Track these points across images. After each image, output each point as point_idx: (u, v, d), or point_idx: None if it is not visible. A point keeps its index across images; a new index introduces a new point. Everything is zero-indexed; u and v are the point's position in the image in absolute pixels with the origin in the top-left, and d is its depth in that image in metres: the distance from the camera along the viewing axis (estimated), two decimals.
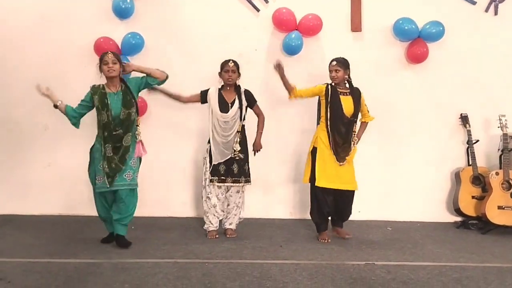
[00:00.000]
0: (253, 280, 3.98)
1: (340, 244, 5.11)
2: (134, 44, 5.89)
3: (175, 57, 5.99)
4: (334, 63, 5.17)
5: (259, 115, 5.33)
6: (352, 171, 5.20)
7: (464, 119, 6.14)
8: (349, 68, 5.21)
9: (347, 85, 5.22)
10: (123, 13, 5.92)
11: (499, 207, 5.70)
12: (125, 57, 5.87)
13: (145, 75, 4.76)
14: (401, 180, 6.24)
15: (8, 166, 6.03)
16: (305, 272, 4.17)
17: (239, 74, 5.23)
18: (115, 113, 4.62)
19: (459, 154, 6.26)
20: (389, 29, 6.15)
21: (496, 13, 6.22)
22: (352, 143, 5.17)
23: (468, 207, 5.96)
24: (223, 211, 5.32)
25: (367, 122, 5.34)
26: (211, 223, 5.26)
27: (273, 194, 5.95)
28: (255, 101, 5.32)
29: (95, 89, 4.70)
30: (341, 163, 5.08)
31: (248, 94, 5.28)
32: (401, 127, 6.21)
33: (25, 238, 5.05)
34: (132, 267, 4.19)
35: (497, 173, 5.79)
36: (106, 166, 4.63)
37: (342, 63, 5.17)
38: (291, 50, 6.02)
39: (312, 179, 5.13)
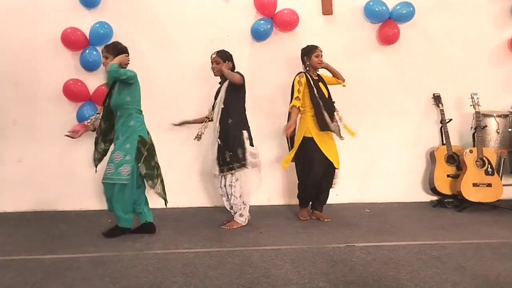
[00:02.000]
0: (234, 267, 3.95)
1: (319, 227, 5.11)
2: (102, 34, 5.75)
3: (145, 45, 5.89)
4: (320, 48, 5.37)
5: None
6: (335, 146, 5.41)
7: (437, 99, 6.18)
8: None
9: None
10: (90, 2, 5.78)
11: (474, 185, 5.76)
12: (94, 47, 5.75)
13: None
14: (376, 162, 6.27)
15: None
16: (286, 257, 4.16)
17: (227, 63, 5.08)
18: None
19: (433, 133, 6.32)
20: (360, 11, 6.14)
21: None
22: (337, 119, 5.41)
23: (444, 186, 6.02)
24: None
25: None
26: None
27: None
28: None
29: None
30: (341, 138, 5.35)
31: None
32: (374, 109, 6.22)
33: None
34: (111, 260, 4.13)
35: (471, 151, 5.84)
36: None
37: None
38: (260, 35, 5.98)
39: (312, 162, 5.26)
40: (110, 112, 4.77)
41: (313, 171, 5.25)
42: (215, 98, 5.17)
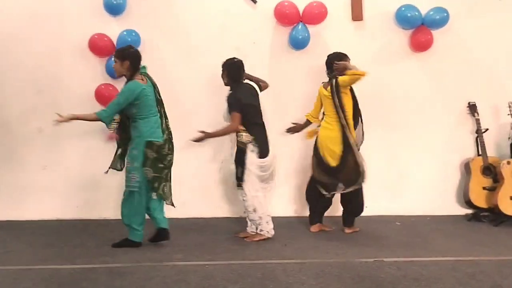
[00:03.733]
0: (255, 281, 3.81)
1: (347, 241, 4.93)
2: (130, 42, 5.66)
3: (171, 52, 5.82)
4: None
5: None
6: None
7: (472, 108, 5.93)
8: None
9: None
10: (115, 9, 5.73)
11: None
12: None
13: None
14: (408, 173, 6.05)
15: (2, 170, 5.85)
16: (310, 272, 3.99)
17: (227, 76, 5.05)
18: None
19: (468, 144, 6.05)
20: (391, 17, 5.94)
21: None
22: None
23: (479, 199, 5.76)
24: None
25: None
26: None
27: (276, 191, 5.74)
28: (232, 109, 4.91)
29: None
30: None
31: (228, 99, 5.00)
32: (407, 118, 6.01)
33: (19, 244, 4.88)
34: (129, 271, 4.03)
35: (508, 162, 5.59)
36: None
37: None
38: (299, 43, 5.85)
39: None
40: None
41: None
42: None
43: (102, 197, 5.82)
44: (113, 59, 4.77)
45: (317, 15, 5.84)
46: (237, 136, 4.95)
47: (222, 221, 5.66)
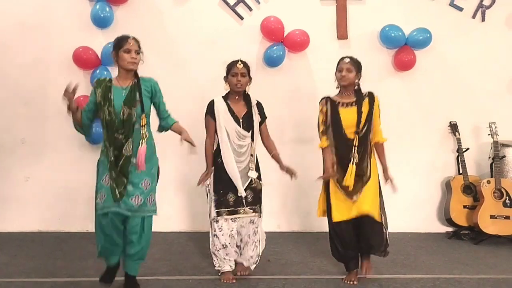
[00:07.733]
0: None
1: (330, 257, 4.93)
2: None
3: (157, 66, 5.80)
4: (347, 60, 4.33)
5: (268, 136, 4.46)
6: (371, 194, 4.33)
7: (454, 127, 6.03)
8: (361, 72, 4.40)
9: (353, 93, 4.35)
10: (102, 22, 5.73)
11: (492, 216, 5.58)
12: (105, 67, 5.70)
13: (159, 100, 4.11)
14: (390, 191, 6.05)
15: None
16: None
17: (250, 79, 4.32)
18: (116, 110, 3.78)
19: (449, 162, 6.14)
20: (375, 36, 6.04)
21: (483, 19, 6.13)
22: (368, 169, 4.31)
23: (460, 217, 5.83)
24: (237, 248, 4.31)
25: (381, 143, 4.45)
26: (224, 264, 4.22)
27: None
28: (266, 117, 4.45)
29: (99, 82, 3.93)
30: (353, 199, 4.19)
31: (261, 108, 4.40)
32: (389, 136, 5.96)
33: (0, 256, 4.82)
34: (112, 285, 4.01)
35: (488, 182, 5.67)
36: (112, 178, 3.76)
37: (356, 63, 4.35)
38: (273, 61, 5.91)
39: (328, 214, 4.29)
40: None
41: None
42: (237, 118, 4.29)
43: (85, 209, 5.76)
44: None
45: (299, 43, 5.93)
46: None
47: (206, 236, 5.63)
